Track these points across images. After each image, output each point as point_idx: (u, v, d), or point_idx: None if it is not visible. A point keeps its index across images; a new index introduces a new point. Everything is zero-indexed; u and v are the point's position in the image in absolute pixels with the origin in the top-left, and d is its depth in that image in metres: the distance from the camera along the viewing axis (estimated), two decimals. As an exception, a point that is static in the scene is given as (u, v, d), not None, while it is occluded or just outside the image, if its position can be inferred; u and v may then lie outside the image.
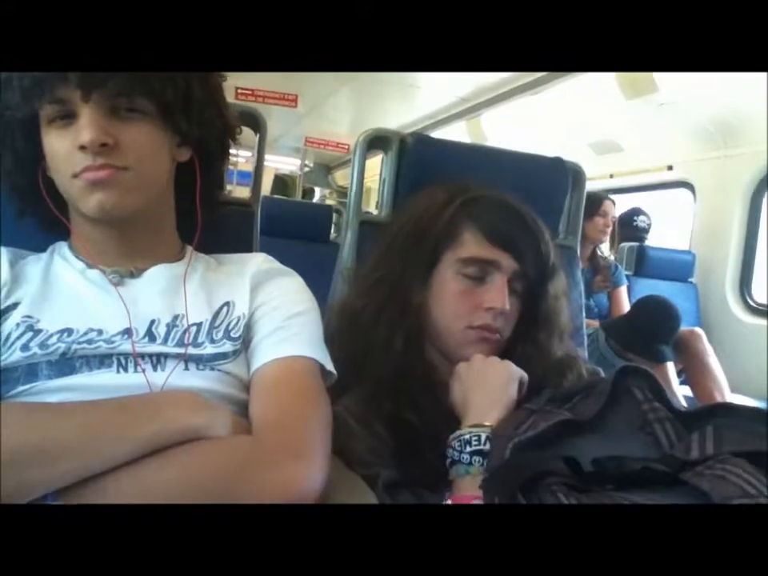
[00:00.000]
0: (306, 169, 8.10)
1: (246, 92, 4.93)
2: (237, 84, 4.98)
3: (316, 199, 8.89)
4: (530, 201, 0.94)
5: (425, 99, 4.82)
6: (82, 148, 0.71)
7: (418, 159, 1.08)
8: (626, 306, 2.74)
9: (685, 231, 3.48)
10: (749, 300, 3.06)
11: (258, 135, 1.05)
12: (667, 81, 2.88)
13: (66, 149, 0.73)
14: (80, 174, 0.72)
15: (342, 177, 8.75)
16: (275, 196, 7.95)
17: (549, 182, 1.15)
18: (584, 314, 1.26)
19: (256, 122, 1.04)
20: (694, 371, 2.36)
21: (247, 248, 1.00)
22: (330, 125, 6.48)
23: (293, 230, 2.39)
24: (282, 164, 8.60)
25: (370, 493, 0.75)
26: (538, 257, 0.91)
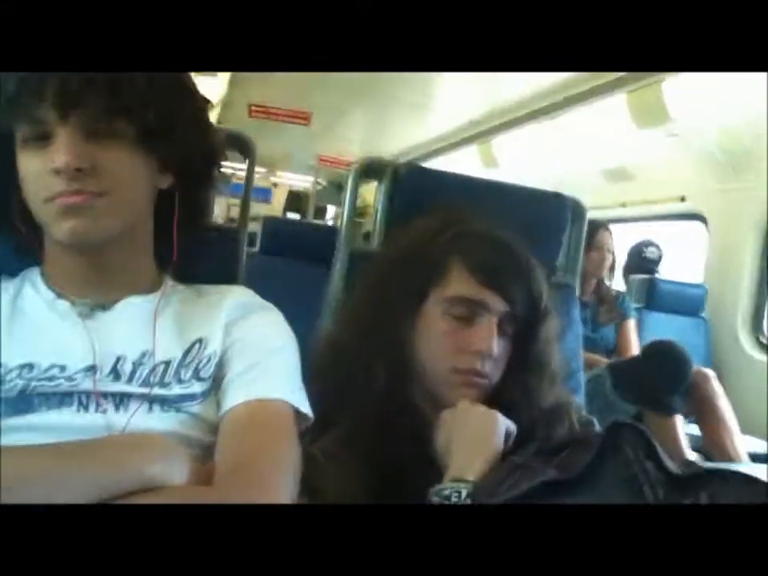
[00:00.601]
0: (319, 187, 8.11)
1: (259, 109, 4.94)
2: (249, 101, 5.00)
3: (329, 218, 8.89)
4: (526, 236, 0.90)
5: (437, 121, 4.81)
6: (57, 172, 0.68)
7: (411, 190, 1.05)
8: (633, 341, 2.67)
9: (698, 264, 3.42)
10: (761, 337, 2.99)
11: (246, 161, 1.02)
12: (680, 111, 2.84)
13: (39, 171, 0.69)
14: (53, 199, 0.69)
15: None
16: (287, 214, 8.00)
17: (547, 217, 1.11)
18: (580, 354, 1.20)
19: (245, 147, 1.01)
20: (703, 413, 2.28)
21: (232, 275, 0.96)
22: (342, 143, 6.49)
23: (296, 250, 2.35)
24: (296, 181, 8.63)
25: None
26: (530, 298, 0.87)
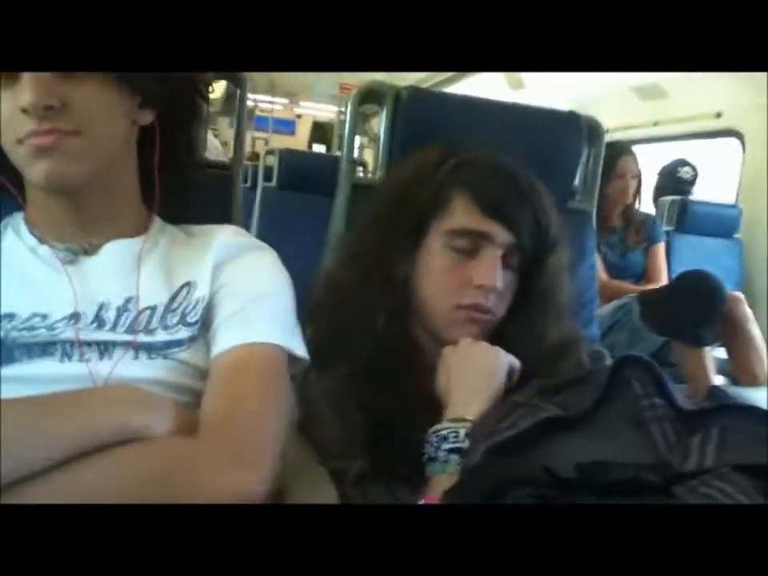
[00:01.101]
0: (343, 117, 7.95)
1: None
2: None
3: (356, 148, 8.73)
4: (538, 160, 0.85)
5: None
6: (25, 111, 0.64)
7: (414, 116, 0.99)
8: (662, 266, 2.59)
9: (732, 184, 3.28)
10: (797, 258, 2.88)
11: (238, 91, 0.97)
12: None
13: (8, 111, 0.66)
14: (24, 140, 0.66)
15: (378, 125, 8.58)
16: (313, 146, 7.87)
17: (561, 139, 1.04)
18: (594, 285, 1.15)
19: (235, 77, 0.96)
20: (731, 337, 2.21)
21: (226, 215, 0.93)
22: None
23: (313, 184, 2.30)
24: (319, 111, 8.46)
25: (330, 489, 0.70)
26: (536, 228, 0.82)
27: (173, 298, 0.72)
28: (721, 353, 2.34)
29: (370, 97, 1.02)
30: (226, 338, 0.70)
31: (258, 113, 7.80)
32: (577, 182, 1.13)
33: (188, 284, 0.73)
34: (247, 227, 2.46)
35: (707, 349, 2.11)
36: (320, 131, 8.54)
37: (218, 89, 1.08)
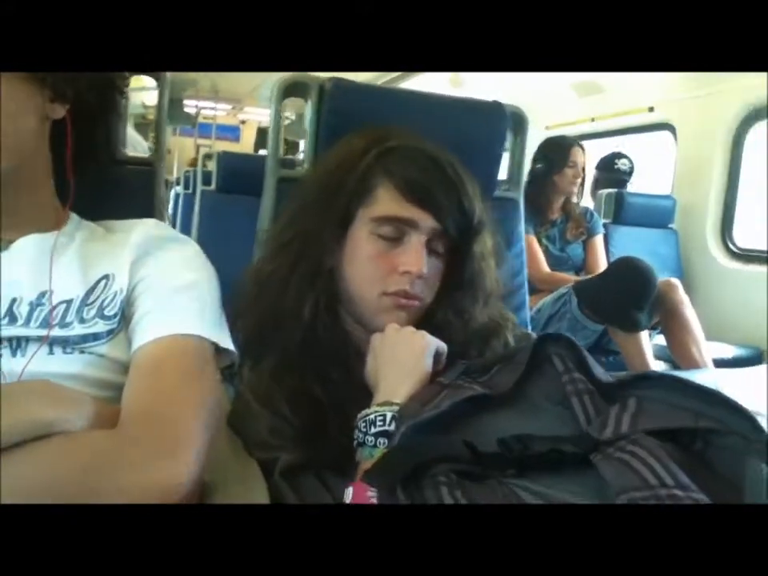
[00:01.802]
0: (287, 121, 7.91)
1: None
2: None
3: (301, 152, 8.70)
4: (463, 149, 0.85)
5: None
6: None
7: (339, 107, 0.98)
8: (601, 257, 2.65)
9: (667, 176, 3.38)
10: (730, 245, 2.99)
11: (158, 84, 0.95)
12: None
13: None
14: None
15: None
16: (259, 151, 7.81)
17: (486, 128, 1.05)
18: (523, 271, 1.17)
19: (153, 72, 0.94)
20: (669, 323, 2.28)
21: (148, 211, 0.91)
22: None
23: (252, 186, 2.28)
24: (265, 116, 8.40)
25: (261, 482, 0.69)
26: (461, 214, 0.82)
27: (90, 291, 0.70)
28: (660, 340, 2.41)
29: (293, 90, 1.02)
30: (146, 331, 0.68)
31: (201, 119, 7.73)
32: (505, 170, 1.15)
33: (106, 277, 0.72)
34: (187, 231, 2.42)
35: (645, 334, 2.16)
36: (265, 137, 8.45)
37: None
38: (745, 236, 2.99)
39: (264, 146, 7.89)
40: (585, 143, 2.81)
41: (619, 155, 3.28)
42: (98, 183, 0.83)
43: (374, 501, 0.64)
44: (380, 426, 0.71)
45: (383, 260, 0.81)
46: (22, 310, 0.67)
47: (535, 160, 2.62)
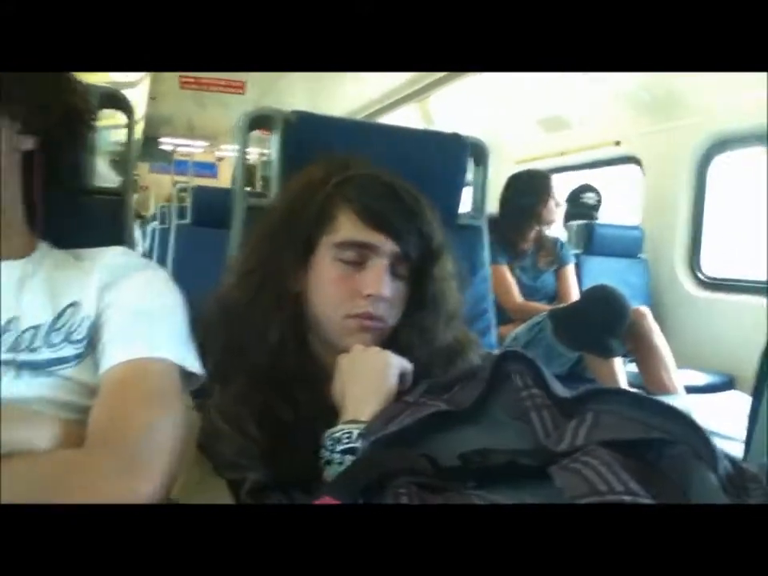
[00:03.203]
0: (264, 158, 7.98)
1: (189, 80, 4.80)
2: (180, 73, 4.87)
3: (278, 188, 8.75)
4: (426, 179, 0.88)
5: (376, 81, 4.74)
6: None
7: (303, 138, 1.01)
8: (572, 286, 2.70)
9: (636, 207, 3.46)
10: (698, 274, 3.05)
11: (126, 118, 0.98)
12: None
13: None
14: None
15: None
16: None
17: (446, 159, 1.09)
18: (489, 295, 1.19)
19: (121, 105, 0.96)
20: (640, 350, 2.32)
21: (118, 240, 0.92)
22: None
23: (226, 220, 2.30)
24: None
25: (229, 501, 0.70)
26: (420, 237, 0.85)
27: (57, 317, 0.72)
28: (633, 368, 2.44)
29: (259, 122, 1.04)
30: (113, 355, 0.69)
31: (177, 156, 7.77)
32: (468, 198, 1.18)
33: (73, 304, 0.73)
34: (163, 264, 2.43)
35: (618, 361, 2.20)
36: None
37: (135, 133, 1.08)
38: (712, 264, 3.06)
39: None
40: (556, 177, 2.88)
41: (585, 189, 3.36)
42: (68, 212, 0.85)
43: (339, 518, 0.65)
44: (346, 443, 0.72)
45: (346, 284, 0.83)
46: None
47: (517, 193, 2.64)
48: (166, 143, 7.28)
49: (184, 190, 2.81)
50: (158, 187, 7.48)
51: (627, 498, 0.52)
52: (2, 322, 0.69)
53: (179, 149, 7.70)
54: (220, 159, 8.60)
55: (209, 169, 8.40)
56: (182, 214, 2.57)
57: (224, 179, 8.54)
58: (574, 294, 2.65)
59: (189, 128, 7.11)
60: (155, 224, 3.75)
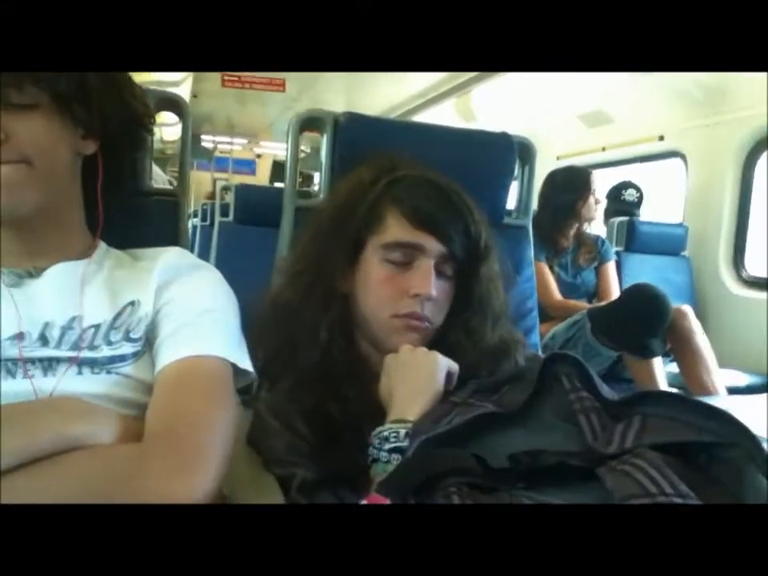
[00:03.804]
0: (303, 154, 8.03)
1: (233, 78, 4.86)
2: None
3: (316, 184, 8.80)
4: (473, 179, 0.89)
5: (416, 77, 4.73)
6: None
7: (353, 139, 1.03)
8: (613, 284, 2.67)
9: (679, 203, 3.40)
10: (742, 273, 2.99)
11: (182, 122, 1.00)
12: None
13: None
14: None
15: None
16: (275, 184, 7.93)
17: (494, 158, 1.10)
18: (534, 295, 1.20)
19: (178, 108, 0.99)
20: (681, 349, 2.29)
21: (173, 240, 0.95)
22: (323, 107, 6.40)
23: (268, 217, 2.33)
24: (280, 150, 8.54)
25: (279, 498, 0.72)
26: (467, 238, 0.86)
27: (117, 316, 0.74)
28: (674, 368, 2.41)
29: (309, 123, 1.06)
30: (169, 352, 0.72)
31: (217, 153, 7.88)
32: (515, 199, 1.19)
33: (132, 303, 0.76)
34: (206, 261, 2.47)
35: (658, 361, 2.17)
36: (281, 170, 8.58)
37: (178, 130, 1.11)
38: (756, 263, 2.99)
39: (278, 179, 7.99)
40: (598, 172, 2.85)
41: (626, 185, 3.31)
42: (125, 214, 0.87)
43: (389, 515, 0.67)
44: (394, 441, 0.73)
45: (394, 284, 0.85)
46: (54, 334, 0.71)
47: (556, 190, 2.63)
48: (207, 140, 7.39)
49: (227, 188, 2.86)
50: (197, 185, 7.59)
51: (678, 501, 0.53)
52: (65, 321, 0.72)
53: (219, 146, 7.80)
54: (259, 156, 8.69)
55: (247, 165, 8.49)
56: (224, 212, 2.61)
57: (262, 176, 8.62)
58: (614, 292, 2.63)
59: (229, 125, 7.20)
60: (195, 221, 3.80)
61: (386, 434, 0.74)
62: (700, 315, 2.45)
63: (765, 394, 2.44)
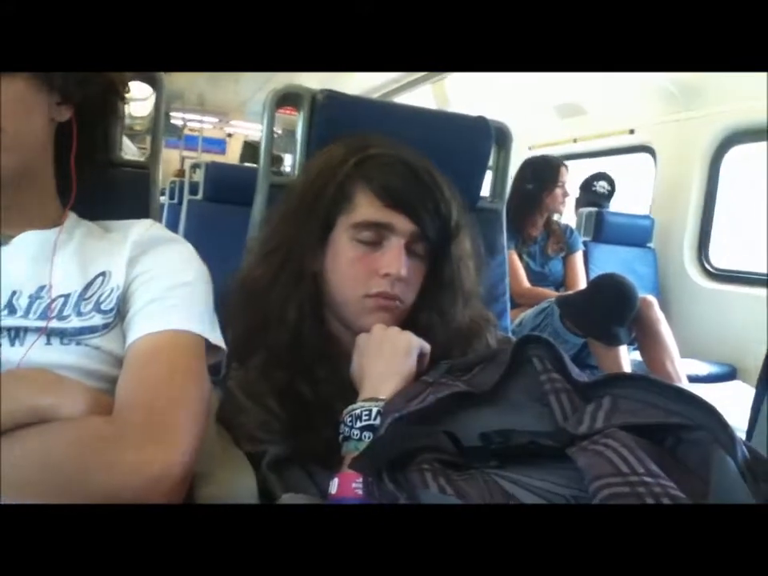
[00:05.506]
0: (275, 135, 7.93)
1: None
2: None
3: (286, 166, 8.72)
4: (449, 161, 0.88)
5: (390, 62, 4.70)
6: None
7: (330, 117, 1.02)
8: (580, 273, 2.71)
9: (647, 196, 3.45)
10: (706, 265, 3.06)
11: (155, 93, 0.98)
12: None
13: None
14: None
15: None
16: (245, 163, 7.84)
17: (471, 141, 1.09)
18: (506, 279, 1.21)
19: (151, 79, 0.97)
20: (644, 339, 2.34)
21: (143, 213, 0.94)
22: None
23: (238, 196, 2.30)
24: (251, 130, 8.43)
25: (250, 474, 0.71)
26: (438, 217, 0.85)
27: (87, 286, 0.73)
28: (637, 356, 2.46)
29: (286, 100, 1.05)
30: (140, 326, 0.70)
31: (187, 131, 7.74)
32: (489, 183, 1.19)
33: (103, 274, 0.74)
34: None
35: (623, 349, 2.21)
36: (251, 150, 8.49)
37: (148, 106, 1.09)
38: (720, 256, 3.06)
39: (249, 160, 7.82)
40: (570, 163, 2.88)
41: (599, 177, 3.35)
42: (96, 184, 0.85)
43: (359, 491, 0.67)
44: (365, 420, 0.73)
45: (364, 263, 0.84)
46: (22, 302, 0.69)
47: (524, 180, 2.66)
48: (176, 118, 7.26)
49: (197, 165, 2.81)
50: (165, 163, 7.45)
51: (649, 480, 0.53)
52: (34, 290, 0.70)
53: (189, 124, 7.67)
54: (230, 135, 8.56)
55: (218, 145, 8.36)
56: (193, 190, 2.58)
57: (232, 156, 8.50)
58: (581, 282, 2.67)
59: (199, 103, 7.08)
60: (163, 198, 3.74)
61: (357, 412, 0.74)
62: (664, 306, 2.49)
63: (724, 383, 2.52)
